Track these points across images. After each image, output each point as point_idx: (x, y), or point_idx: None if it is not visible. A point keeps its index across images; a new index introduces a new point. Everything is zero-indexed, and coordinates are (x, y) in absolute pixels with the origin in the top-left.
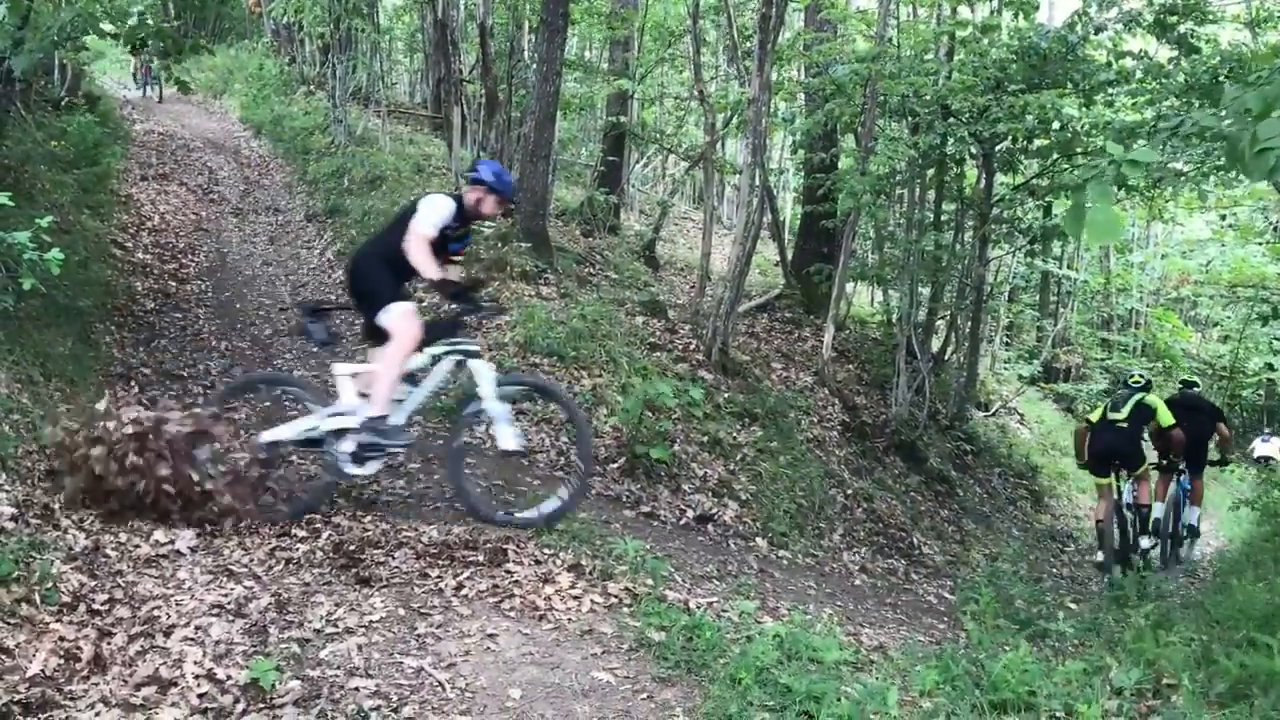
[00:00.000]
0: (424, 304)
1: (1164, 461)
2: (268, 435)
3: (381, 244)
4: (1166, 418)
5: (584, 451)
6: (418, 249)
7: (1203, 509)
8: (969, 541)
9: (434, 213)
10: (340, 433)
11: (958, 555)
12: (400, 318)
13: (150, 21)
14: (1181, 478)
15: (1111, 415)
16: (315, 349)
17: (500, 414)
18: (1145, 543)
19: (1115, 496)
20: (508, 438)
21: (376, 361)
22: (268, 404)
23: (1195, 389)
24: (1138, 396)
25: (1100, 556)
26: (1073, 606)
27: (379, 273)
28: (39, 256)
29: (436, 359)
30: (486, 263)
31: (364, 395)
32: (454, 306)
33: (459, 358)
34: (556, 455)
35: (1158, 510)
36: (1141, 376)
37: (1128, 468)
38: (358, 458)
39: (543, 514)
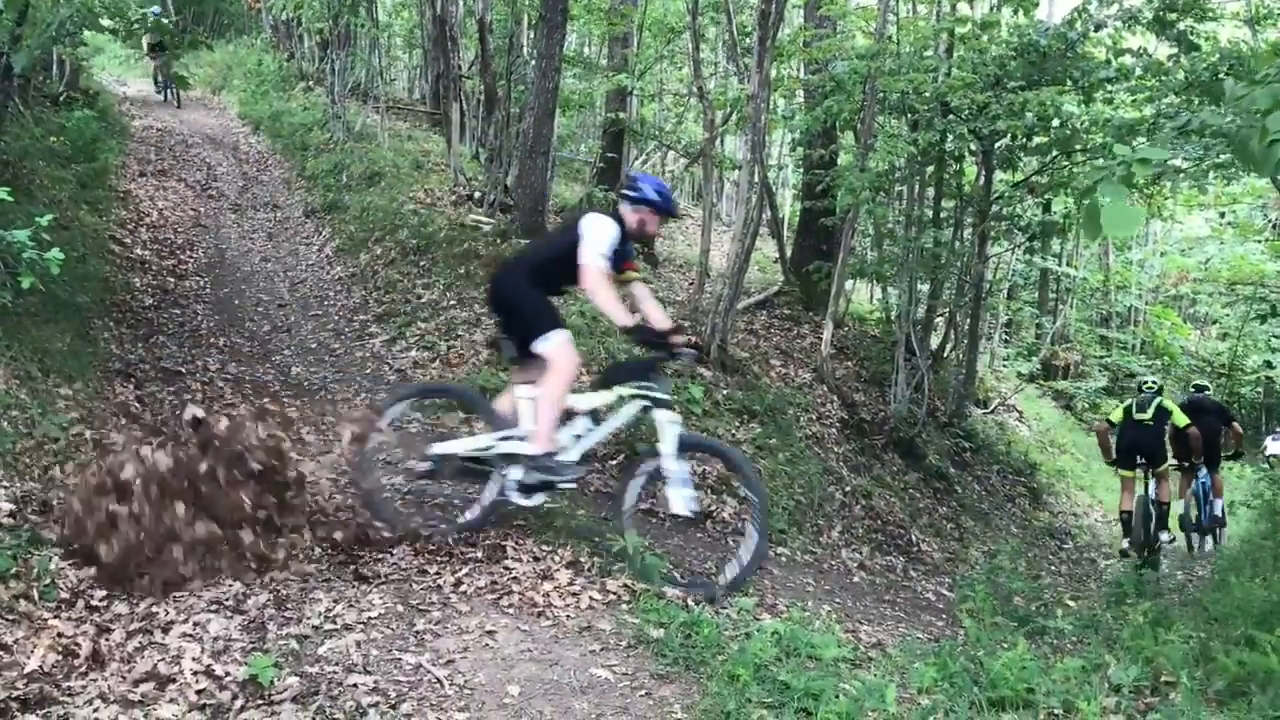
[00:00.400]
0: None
1: (1185, 464)
2: (438, 447)
3: (532, 262)
4: (1181, 419)
5: (761, 526)
6: (599, 289)
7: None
8: (967, 539)
9: (602, 239)
10: (511, 457)
11: (956, 552)
12: (559, 347)
13: (166, 23)
14: (1201, 475)
15: (1137, 415)
16: (505, 365)
17: (677, 475)
18: (1164, 536)
19: (1141, 490)
20: (680, 501)
21: (537, 390)
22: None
23: (1205, 392)
24: (1157, 400)
25: (1126, 544)
26: (1071, 604)
27: (532, 295)
28: (38, 255)
29: (623, 400)
30: (486, 259)
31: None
32: (658, 351)
33: (646, 404)
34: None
35: (1179, 507)
36: (1154, 382)
37: (1152, 463)
38: (526, 488)
39: (722, 583)
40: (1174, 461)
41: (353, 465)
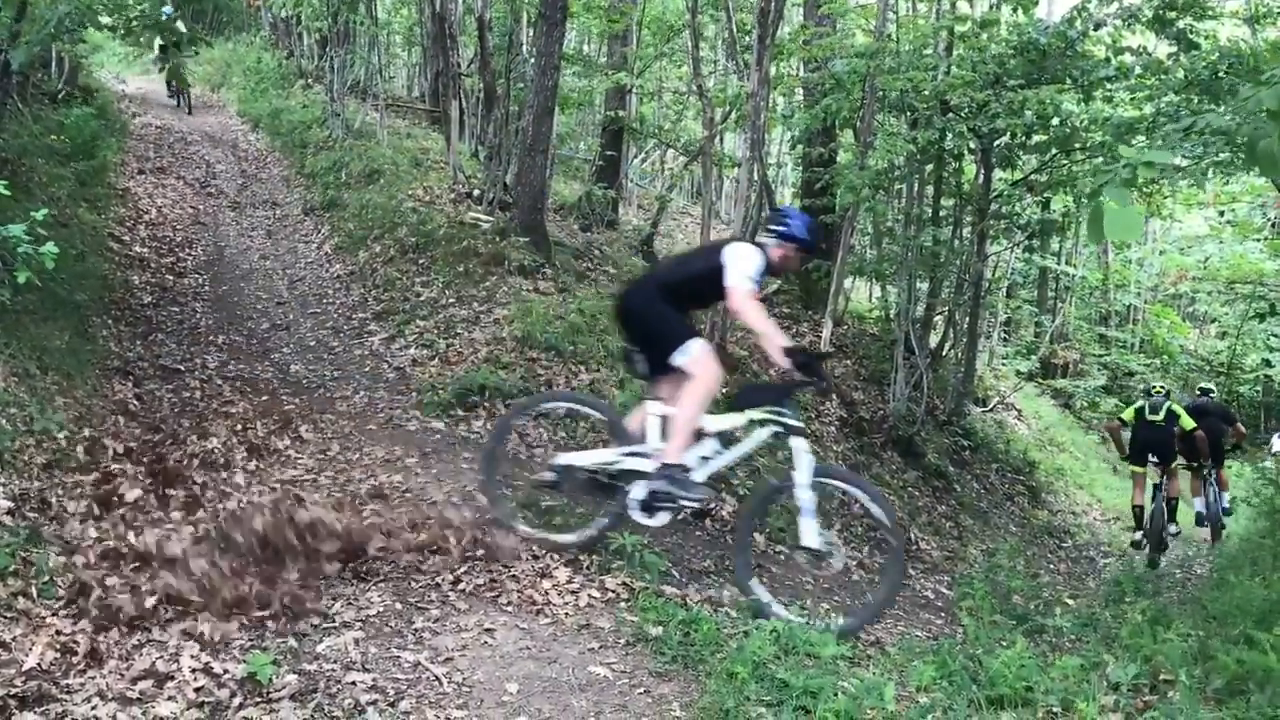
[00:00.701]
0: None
1: (1194, 465)
2: (564, 458)
3: (664, 280)
4: (1189, 423)
5: (896, 572)
6: (750, 308)
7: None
8: (966, 537)
9: (749, 265)
10: (634, 474)
11: (955, 551)
12: (700, 357)
13: (180, 25)
14: (1208, 474)
15: (1150, 417)
16: (637, 381)
17: (808, 505)
18: (1172, 528)
19: (1151, 486)
20: (811, 533)
21: (676, 404)
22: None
23: (1209, 396)
24: (1167, 404)
25: (1138, 535)
26: (1070, 602)
27: (665, 310)
28: (34, 250)
29: (755, 425)
30: (485, 258)
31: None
32: (792, 375)
33: (779, 430)
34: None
35: (1198, 505)
36: (1164, 387)
37: (1162, 461)
38: (647, 506)
39: (849, 622)
40: (1182, 461)
41: (478, 474)
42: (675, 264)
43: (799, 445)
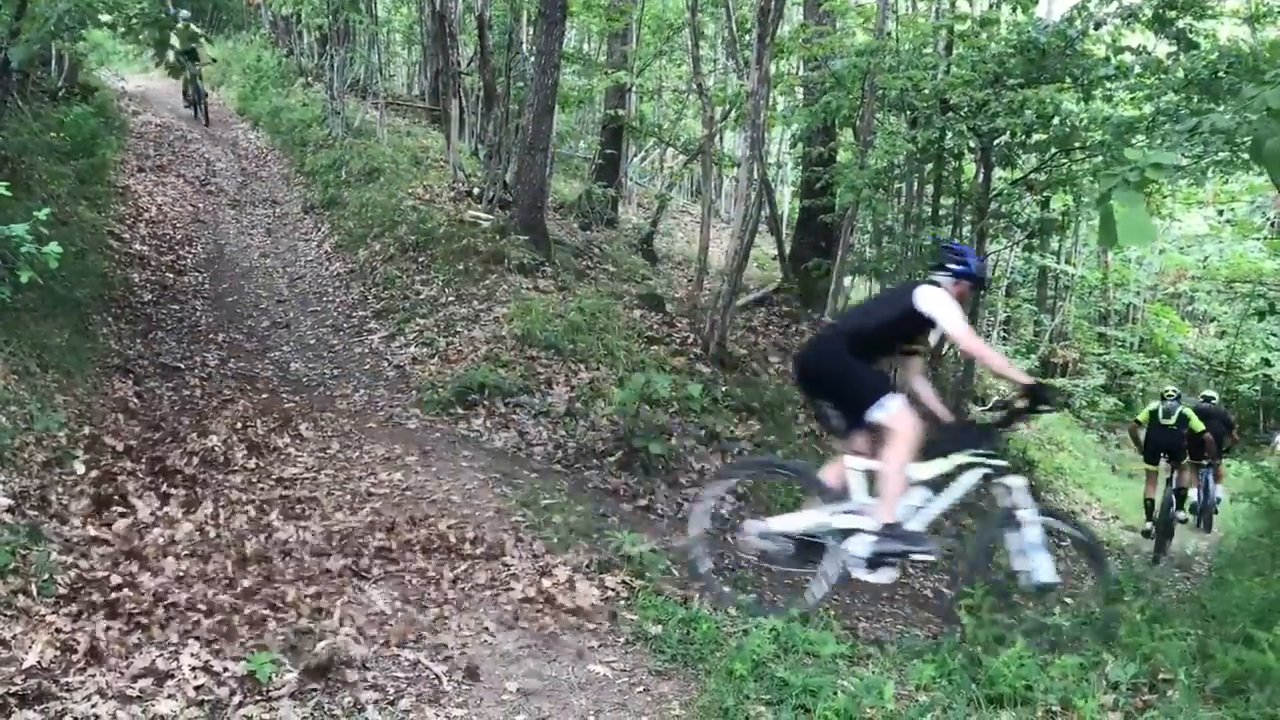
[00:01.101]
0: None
1: (1199, 461)
2: (774, 525)
3: (850, 333)
4: (1198, 425)
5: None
6: (983, 348)
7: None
8: (966, 536)
9: (953, 306)
10: (848, 532)
11: (954, 550)
12: (899, 413)
13: (197, 29)
14: (1204, 469)
15: (1163, 420)
16: (830, 437)
17: (1036, 541)
18: (1181, 515)
19: (1163, 481)
20: (1047, 569)
21: (879, 460)
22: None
23: (1212, 401)
24: (1179, 408)
25: (1148, 525)
26: (1069, 601)
27: (858, 365)
28: (36, 249)
29: (962, 469)
30: (484, 256)
31: (875, 496)
32: (997, 415)
33: (988, 471)
34: None
35: (1193, 495)
36: (1175, 392)
37: (1173, 459)
38: (872, 563)
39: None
40: (1189, 459)
41: (690, 561)
42: (860, 315)
43: (1017, 484)
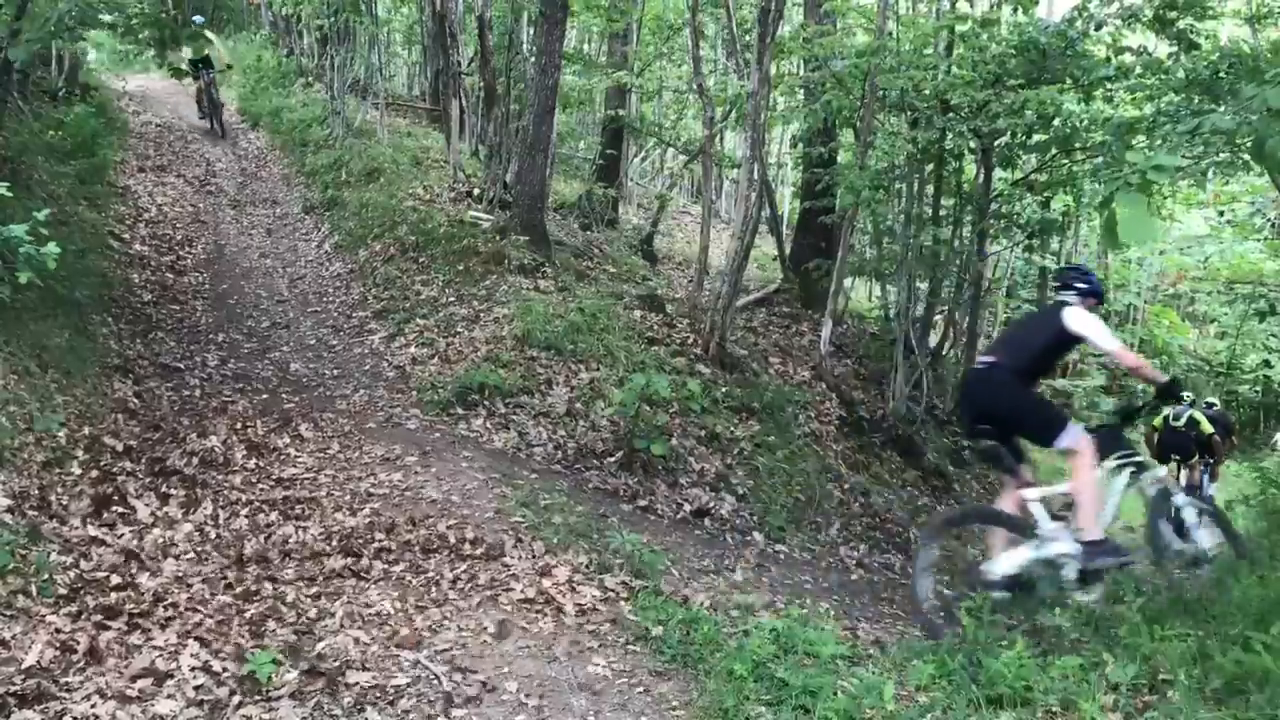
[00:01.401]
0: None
1: (1205, 460)
2: (999, 568)
3: (1015, 365)
4: (1207, 427)
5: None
6: (1137, 360)
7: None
8: (966, 536)
9: (1097, 321)
10: (1055, 560)
11: (954, 550)
12: (1081, 438)
13: (211, 35)
14: (1206, 469)
15: (1173, 424)
16: (1002, 473)
17: (1194, 518)
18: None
19: (1173, 479)
20: (1209, 539)
21: (1065, 484)
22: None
23: (1214, 408)
24: (1189, 412)
25: None
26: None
27: (1033, 397)
28: (36, 250)
29: (1112, 473)
30: (485, 256)
31: (1058, 518)
32: (1115, 416)
33: (1133, 469)
34: None
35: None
36: (1187, 395)
37: (1184, 458)
38: (1084, 581)
39: None
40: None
41: (923, 624)
42: (1015, 345)
43: (1164, 473)
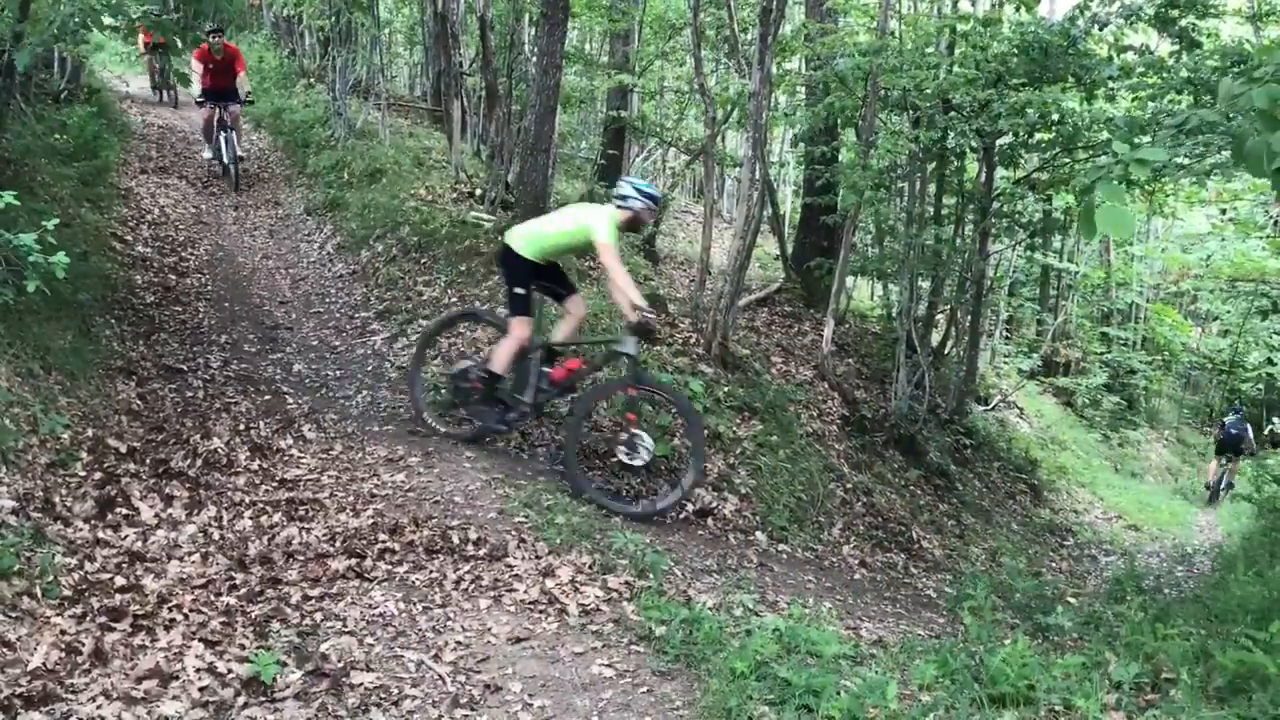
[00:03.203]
0: None
1: (1239, 456)
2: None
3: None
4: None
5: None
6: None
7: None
8: (968, 536)
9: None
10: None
11: (957, 549)
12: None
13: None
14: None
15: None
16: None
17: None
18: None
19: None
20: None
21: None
22: None
23: (1240, 414)
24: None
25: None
26: (1071, 600)
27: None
28: (44, 259)
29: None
30: (487, 257)
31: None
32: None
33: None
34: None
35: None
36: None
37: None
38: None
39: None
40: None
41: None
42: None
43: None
